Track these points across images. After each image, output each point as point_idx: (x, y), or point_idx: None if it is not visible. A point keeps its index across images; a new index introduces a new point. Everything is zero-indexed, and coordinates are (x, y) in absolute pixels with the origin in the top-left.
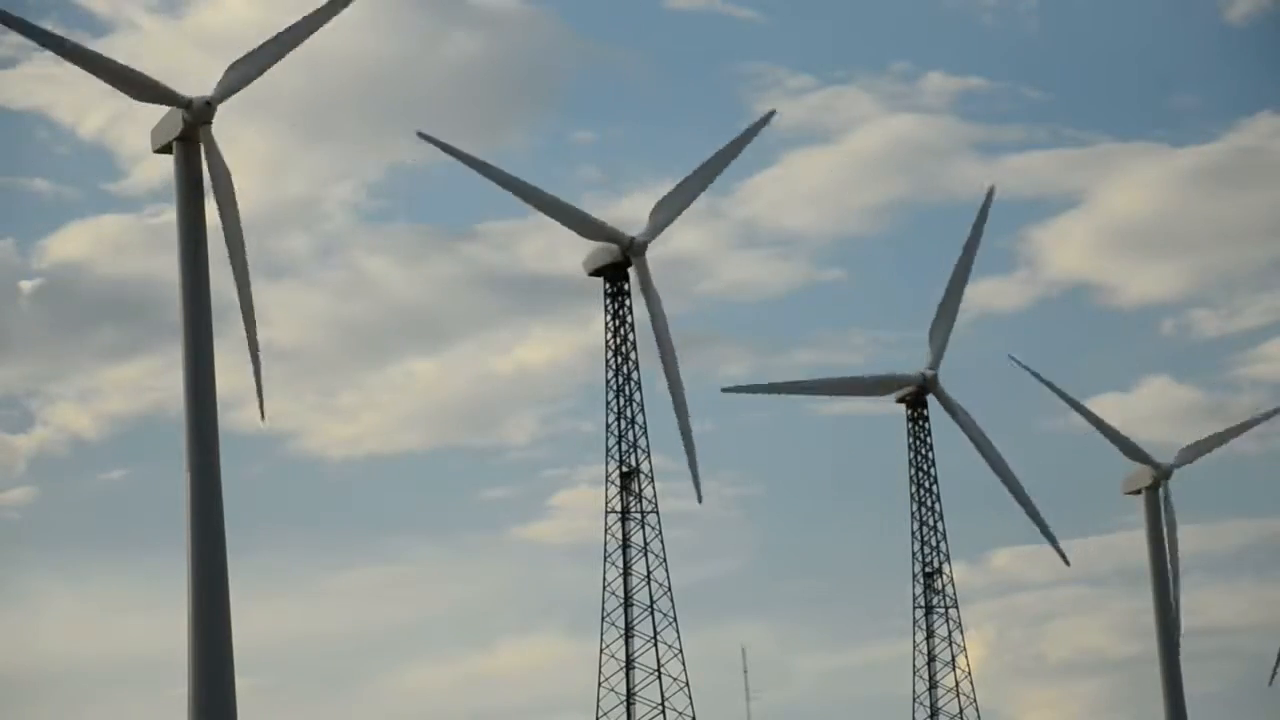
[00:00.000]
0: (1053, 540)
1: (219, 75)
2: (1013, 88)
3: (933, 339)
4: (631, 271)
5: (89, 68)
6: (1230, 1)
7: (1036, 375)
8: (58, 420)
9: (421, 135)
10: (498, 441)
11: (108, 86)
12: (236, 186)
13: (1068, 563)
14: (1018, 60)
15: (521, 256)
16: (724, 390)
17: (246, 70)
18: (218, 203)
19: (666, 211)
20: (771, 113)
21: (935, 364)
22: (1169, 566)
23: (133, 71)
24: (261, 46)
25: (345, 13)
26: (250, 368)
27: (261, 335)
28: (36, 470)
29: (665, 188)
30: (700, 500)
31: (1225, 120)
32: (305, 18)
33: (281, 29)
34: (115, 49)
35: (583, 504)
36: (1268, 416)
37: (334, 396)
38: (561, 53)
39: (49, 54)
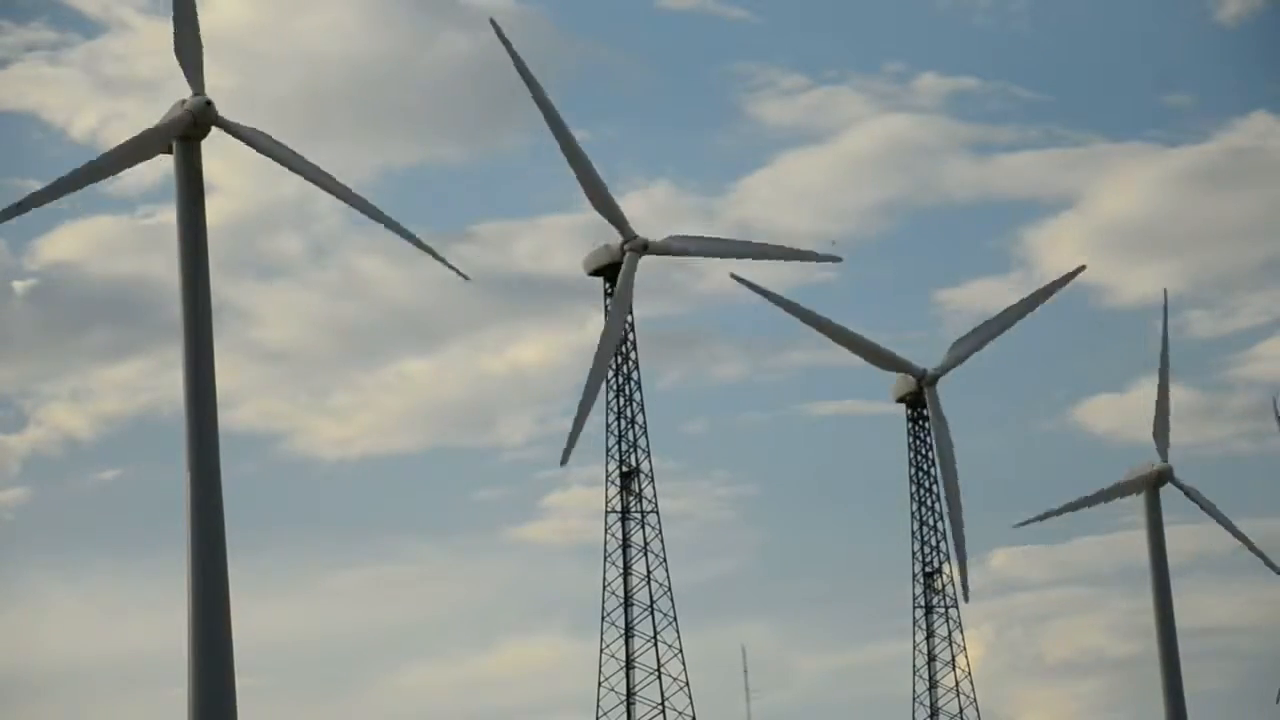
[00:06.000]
0: (963, 571)
1: (212, 75)
2: (1005, 88)
3: (954, 349)
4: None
5: (87, 183)
6: (1221, 2)
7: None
8: (51, 420)
9: (494, 23)
10: (492, 442)
11: (100, 87)
12: (231, 187)
13: (967, 599)
14: (1010, 60)
15: (515, 257)
16: (733, 275)
17: (189, 48)
18: (277, 158)
19: (690, 245)
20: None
21: (943, 370)
22: (1251, 550)
23: (124, 145)
24: (176, 17)
25: (337, 13)
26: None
27: (255, 335)
28: (30, 470)
29: (659, 187)
30: (564, 463)
31: (1218, 120)
32: None
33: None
34: (108, 50)
35: (577, 504)
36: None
37: (328, 397)
38: (554, 52)
39: (41, 54)
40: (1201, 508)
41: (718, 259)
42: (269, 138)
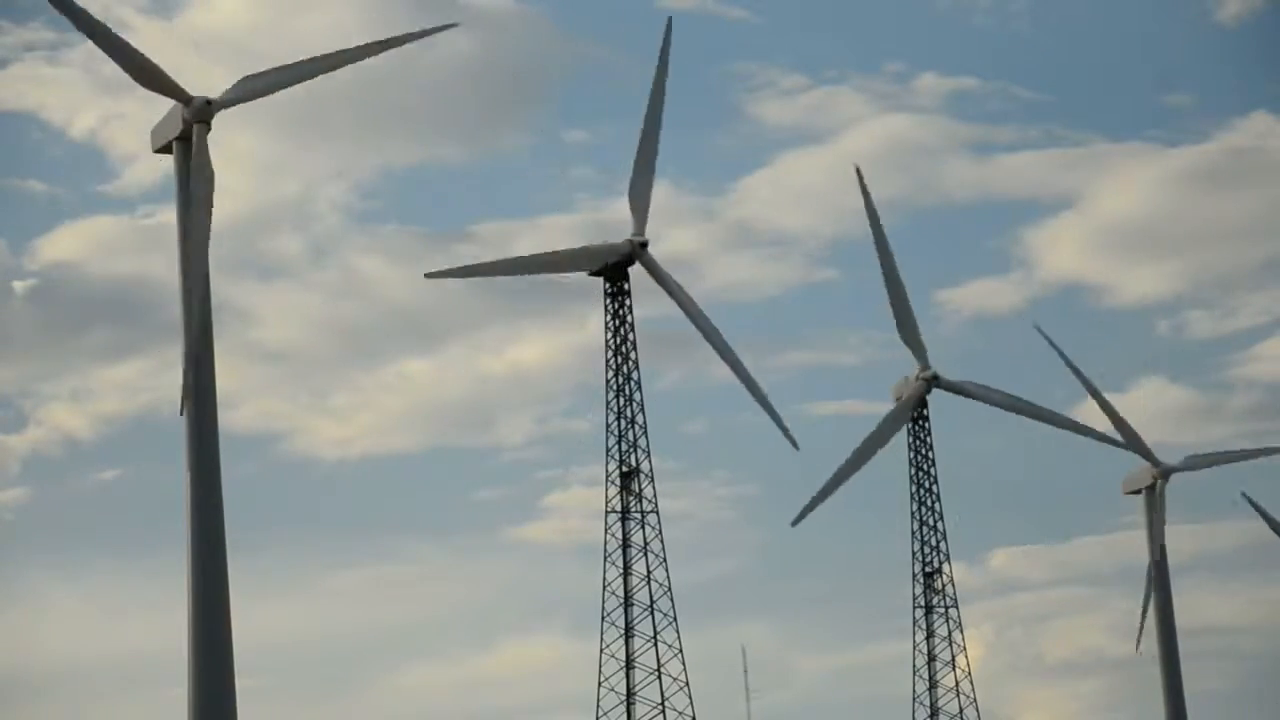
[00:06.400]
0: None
1: (211, 75)
2: (1005, 88)
3: (965, 385)
4: (632, 271)
5: (110, 51)
6: (1221, 2)
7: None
8: (51, 420)
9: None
10: (492, 442)
11: (99, 87)
12: (231, 186)
13: (793, 524)
14: (1010, 60)
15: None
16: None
17: (258, 85)
18: (194, 199)
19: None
20: None
21: (945, 385)
22: (1154, 565)
23: (147, 62)
24: (284, 68)
25: (337, 13)
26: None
27: (254, 335)
28: (30, 470)
29: (660, 187)
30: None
31: (1218, 120)
32: (341, 52)
33: (312, 53)
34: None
35: (577, 504)
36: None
37: (327, 397)
38: (554, 53)
39: (40, 54)
40: (1155, 515)
41: (711, 249)
42: (209, 188)
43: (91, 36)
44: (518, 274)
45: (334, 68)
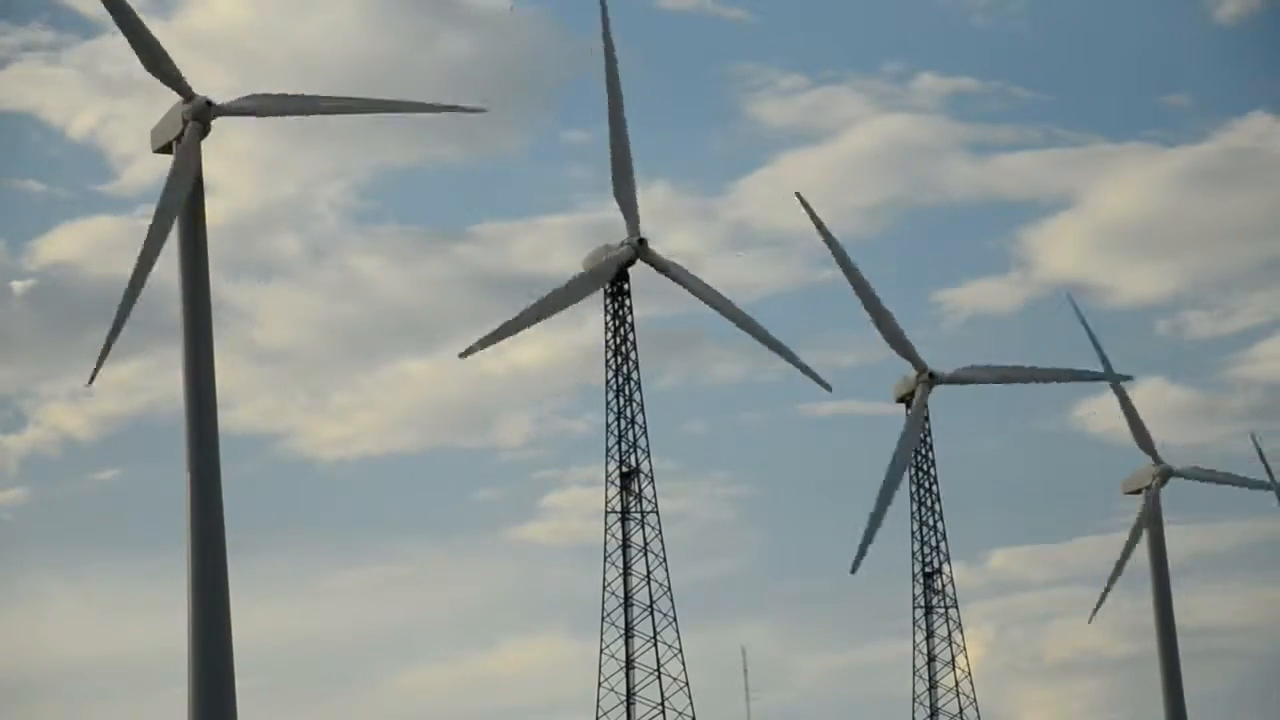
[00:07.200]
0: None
1: (210, 76)
2: (1004, 88)
3: (970, 371)
4: (632, 271)
5: (127, 30)
6: (1220, 2)
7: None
8: (50, 420)
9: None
10: (491, 442)
11: (98, 87)
12: (231, 186)
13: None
14: (1010, 61)
15: (513, 257)
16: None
17: (267, 104)
18: (164, 203)
19: (688, 281)
20: None
21: (947, 380)
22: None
23: (158, 47)
24: (299, 97)
25: (337, 14)
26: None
27: (253, 336)
28: (30, 470)
29: (658, 187)
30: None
31: (1217, 120)
32: (361, 100)
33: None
34: (106, 50)
35: (576, 504)
36: None
37: (327, 397)
38: (553, 53)
39: (40, 55)
40: (1147, 514)
41: (710, 249)
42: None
43: (113, 11)
44: (535, 321)
45: (347, 111)
